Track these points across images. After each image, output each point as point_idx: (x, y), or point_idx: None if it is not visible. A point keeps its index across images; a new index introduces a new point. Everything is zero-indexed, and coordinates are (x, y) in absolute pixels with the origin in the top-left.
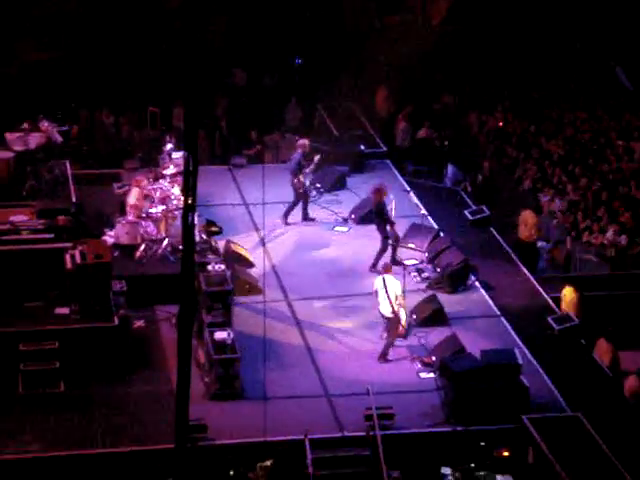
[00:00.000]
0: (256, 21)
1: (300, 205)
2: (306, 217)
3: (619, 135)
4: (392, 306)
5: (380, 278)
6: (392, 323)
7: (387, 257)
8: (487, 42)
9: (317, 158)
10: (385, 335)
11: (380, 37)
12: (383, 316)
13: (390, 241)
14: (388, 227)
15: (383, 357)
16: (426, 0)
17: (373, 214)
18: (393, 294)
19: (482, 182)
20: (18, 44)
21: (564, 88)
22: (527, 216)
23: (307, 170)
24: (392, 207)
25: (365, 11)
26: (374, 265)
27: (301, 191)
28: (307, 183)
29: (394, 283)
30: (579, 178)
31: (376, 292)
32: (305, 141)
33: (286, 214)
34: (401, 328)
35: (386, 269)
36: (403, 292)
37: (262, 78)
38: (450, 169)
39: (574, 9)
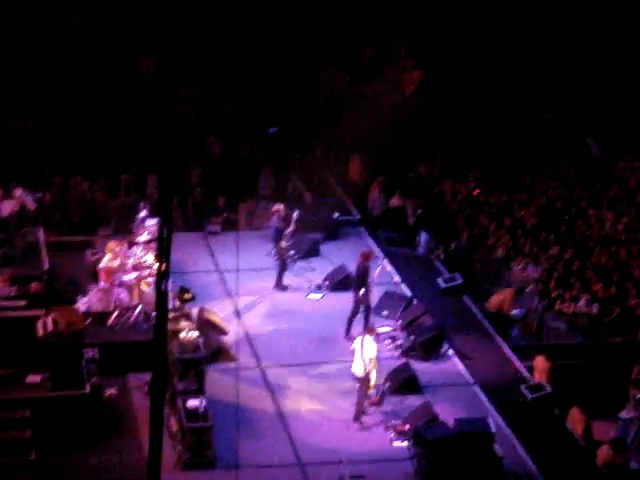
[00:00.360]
0: (231, 90)
1: (277, 272)
2: (279, 285)
3: (590, 204)
4: (365, 367)
5: (359, 338)
6: (363, 383)
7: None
8: (459, 111)
9: (295, 214)
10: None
11: (354, 107)
12: (355, 376)
13: (362, 306)
14: (361, 292)
15: (356, 419)
16: (400, 71)
17: (354, 277)
18: (367, 356)
19: (454, 251)
20: None
21: (535, 157)
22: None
23: (288, 232)
24: (376, 272)
25: (339, 81)
26: (348, 331)
27: (284, 257)
28: (289, 247)
29: (371, 345)
30: (551, 247)
31: (353, 351)
32: (280, 206)
33: (278, 281)
34: (372, 392)
35: (369, 331)
36: (377, 358)
37: (236, 147)
38: (423, 237)
39: (544, 79)
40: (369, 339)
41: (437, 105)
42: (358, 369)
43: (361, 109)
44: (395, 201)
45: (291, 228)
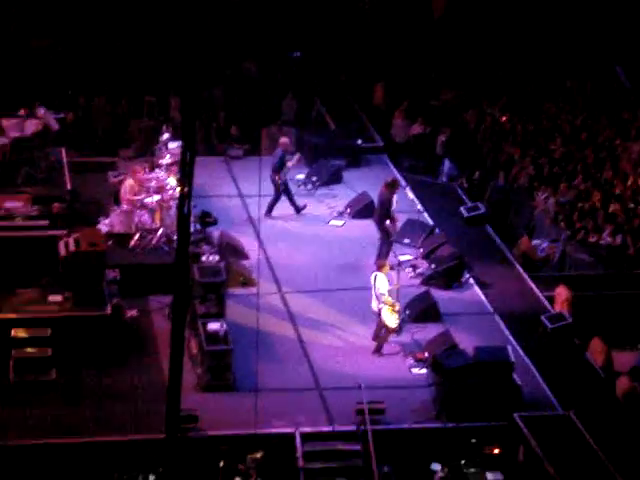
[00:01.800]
0: (255, 13)
1: (286, 201)
2: (298, 209)
3: (617, 134)
4: (376, 304)
5: (373, 275)
6: (379, 319)
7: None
8: (485, 38)
9: (297, 157)
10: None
11: (379, 32)
12: (373, 311)
13: (391, 238)
14: (388, 222)
15: (377, 351)
16: None
17: (377, 207)
18: (379, 292)
19: (478, 179)
20: (16, 30)
21: (561, 86)
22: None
23: (289, 165)
24: (395, 202)
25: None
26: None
27: (283, 187)
28: (286, 178)
29: (381, 281)
30: (575, 177)
31: (371, 288)
32: (286, 139)
33: (269, 209)
34: (390, 325)
35: (378, 267)
36: (396, 290)
37: (261, 70)
38: (446, 165)
39: (574, 7)
40: (380, 275)
41: (464, 31)
42: (374, 305)
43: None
44: (416, 128)
45: (293, 162)
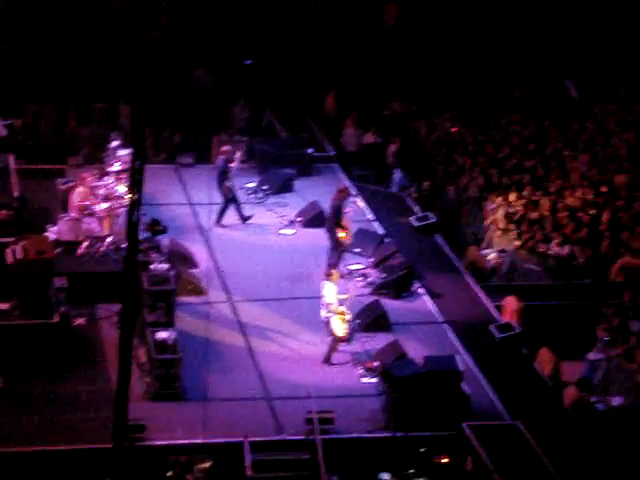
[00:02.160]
0: (206, 19)
1: (233, 209)
2: (244, 218)
3: (565, 145)
4: (324, 312)
5: (323, 283)
6: (329, 328)
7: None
8: (436, 48)
9: (238, 154)
10: (328, 339)
11: (330, 39)
12: (322, 320)
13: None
14: (338, 232)
15: (327, 361)
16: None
17: (328, 215)
18: (326, 301)
19: (428, 189)
20: None
21: (510, 96)
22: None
23: (233, 167)
24: (349, 210)
25: (315, 13)
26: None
27: (230, 196)
28: (233, 184)
29: (329, 289)
30: (524, 187)
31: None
32: (228, 147)
33: (219, 218)
34: (339, 334)
35: (327, 275)
36: (344, 299)
37: (212, 77)
38: (397, 174)
39: (523, 18)
40: (328, 284)
41: (415, 41)
42: (322, 312)
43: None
44: (369, 138)
45: (236, 164)
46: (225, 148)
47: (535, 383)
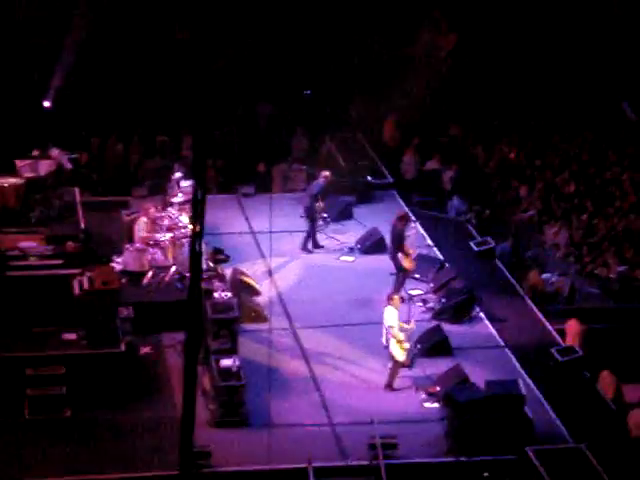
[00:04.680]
0: (265, 52)
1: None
2: (317, 245)
3: (624, 168)
4: (385, 337)
5: (384, 308)
6: (390, 353)
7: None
8: (493, 74)
9: (322, 205)
10: (389, 365)
11: (389, 69)
12: (384, 345)
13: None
14: (400, 255)
15: (389, 386)
16: (434, 33)
17: (390, 239)
18: (387, 324)
19: (488, 215)
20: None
21: (570, 121)
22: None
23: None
24: (413, 235)
25: (374, 45)
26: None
27: (318, 216)
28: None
29: (390, 314)
30: (585, 211)
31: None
32: (328, 172)
33: (313, 244)
34: (398, 359)
35: (388, 300)
36: (407, 329)
37: (272, 109)
38: (455, 201)
39: (580, 42)
40: (389, 308)
41: (471, 68)
42: (383, 338)
43: (396, 71)
44: (432, 164)
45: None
46: (325, 173)
47: (598, 406)
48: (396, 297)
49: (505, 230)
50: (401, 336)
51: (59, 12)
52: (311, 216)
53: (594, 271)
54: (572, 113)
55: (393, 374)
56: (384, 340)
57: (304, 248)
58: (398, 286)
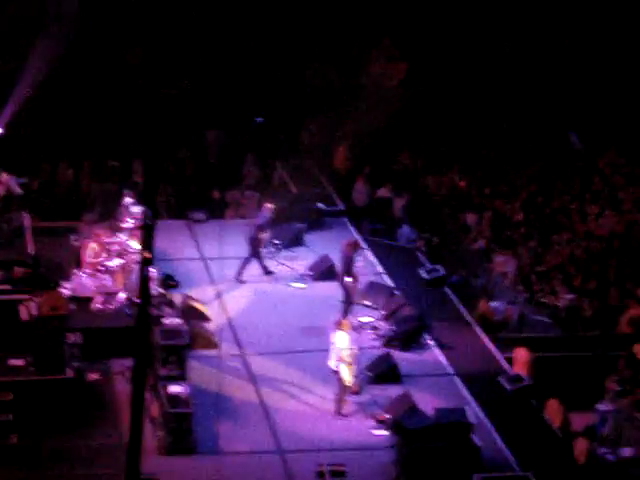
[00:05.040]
0: (216, 79)
1: (257, 263)
2: (267, 272)
3: (573, 198)
4: (334, 361)
5: (334, 333)
6: (337, 378)
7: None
8: (443, 102)
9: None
10: (336, 392)
11: (340, 97)
12: (331, 369)
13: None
14: (349, 280)
15: (338, 412)
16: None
17: (341, 266)
18: (337, 349)
19: (437, 243)
20: None
21: (517, 150)
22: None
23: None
24: (359, 263)
25: (325, 73)
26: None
27: (259, 249)
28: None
29: (340, 339)
30: (532, 239)
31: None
32: (271, 205)
33: (240, 272)
34: (347, 384)
35: (338, 325)
36: (351, 349)
37: (222, 136)
38: (405, 229)
39: (528, 73)
40: (339, 333)
41: (420, 97)
42: (331, 363)
43: (347, 100)
44: (383, 192)
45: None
46: (269, 206)
47: (545, 434)
48: (345, 322)
49: (454, 258)
50: (349, 359)
51: (16, 39)
52: (253, 246)
53: (542, 299)
54: (521, 142)
55: (341, 399)
56: (332, 364)
57: (237, 277)
58: (346, 312)
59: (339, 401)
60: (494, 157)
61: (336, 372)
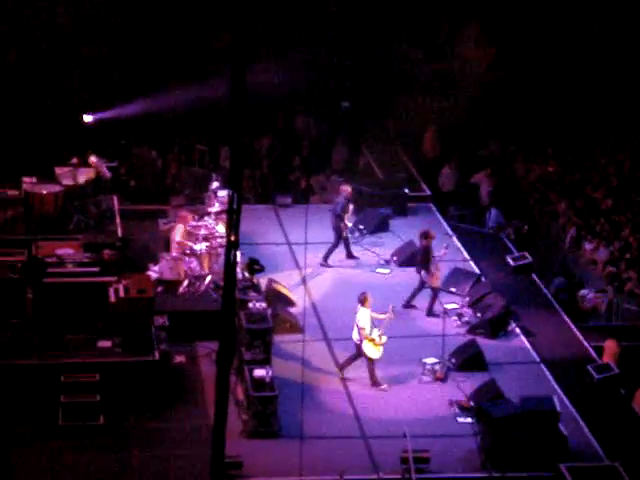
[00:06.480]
0: (305, 65)
1: (342, 247)
2: (352, 256)
3: None
4: (357, 335)
5: (357, 308)
6: (356, 350)
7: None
8: (532, 87)
9: (351, 208)
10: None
11: (428, 82)
12: (354, 342)
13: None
14: (423, 272)
15: (374, 384)
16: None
17: (417, 256)
18: (359, 324)
19: (526, 231)
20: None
21: (610, 137)
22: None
23: (351, 207)
24: (444, 249)
25: (413, 57)
26: (407, 302)
27: (344, 234)
28: (348, 226)
29: (362, 315)
30: (622, 228)
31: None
32: (348, 187)
33: (326, 257)
34: (373, 357)
35: (361, 300)
36: (382, 319)
37: (310, 120)
38: (493, 213)
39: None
40: (362, 309)
41: (510, 82)
42: (354, 335)
43: (435, 85)
44: (479, 177)
45: (349, 215)
46: (344, 187)
47: (633, 424)
48: (368, 297)
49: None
50: (375, 334)
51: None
52: (337, 232)
53: (632, 288)
54: (613, 128)
55: (371, 372)
56: (355, 337)
57: (324, 261)
58: (431, 301)
59: (371, 373)
60: (584, 142)
61: (358, 346)
